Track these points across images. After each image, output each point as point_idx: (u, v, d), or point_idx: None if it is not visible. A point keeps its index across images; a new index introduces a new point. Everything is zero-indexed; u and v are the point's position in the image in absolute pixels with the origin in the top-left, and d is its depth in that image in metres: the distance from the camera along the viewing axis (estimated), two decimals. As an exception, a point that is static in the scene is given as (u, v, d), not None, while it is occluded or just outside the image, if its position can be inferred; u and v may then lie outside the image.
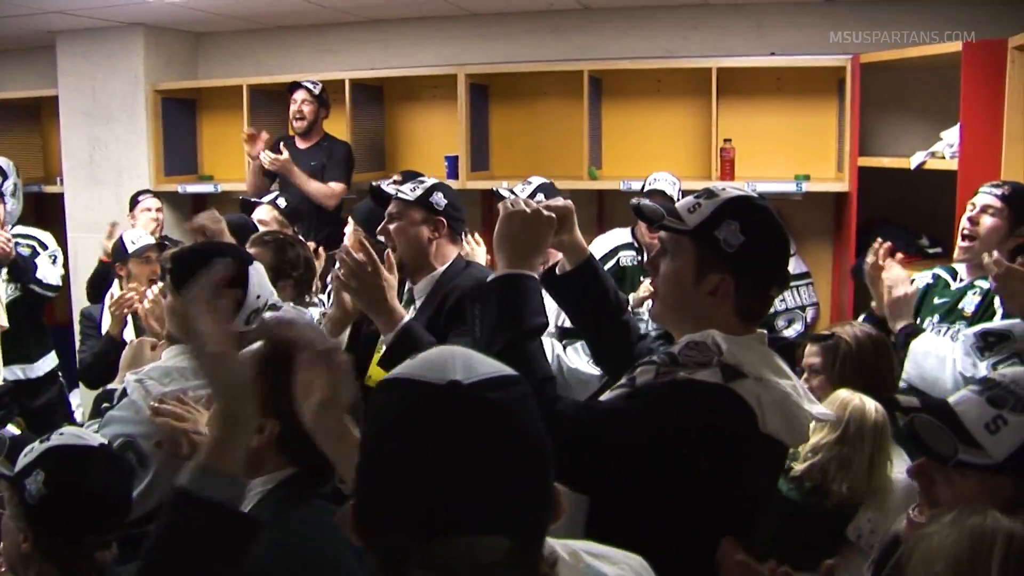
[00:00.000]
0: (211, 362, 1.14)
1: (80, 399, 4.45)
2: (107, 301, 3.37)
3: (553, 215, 1.53)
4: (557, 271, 1.71)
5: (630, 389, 1.41)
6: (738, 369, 1.34)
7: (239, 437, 1.13)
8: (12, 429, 2.29)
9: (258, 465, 1.33)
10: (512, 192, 2.88)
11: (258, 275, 2.04)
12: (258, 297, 2.01)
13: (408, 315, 2.04)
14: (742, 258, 1.40)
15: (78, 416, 4.27)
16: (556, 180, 3.81)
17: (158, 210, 4.33)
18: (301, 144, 4.37)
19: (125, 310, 3.18)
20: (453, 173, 4.26)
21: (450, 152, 4.31)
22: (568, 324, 2.63)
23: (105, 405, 2.07)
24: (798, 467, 2.00)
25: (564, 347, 2.76)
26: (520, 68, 4.38)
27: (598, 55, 4.36)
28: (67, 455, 1.60)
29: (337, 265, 2.04)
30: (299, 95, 4.34)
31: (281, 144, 4.26)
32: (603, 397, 1.47)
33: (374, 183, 2.52)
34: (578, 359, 2.74)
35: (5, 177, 4.77)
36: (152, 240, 3.48)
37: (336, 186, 4.23)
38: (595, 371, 2.63)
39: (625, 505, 1.35)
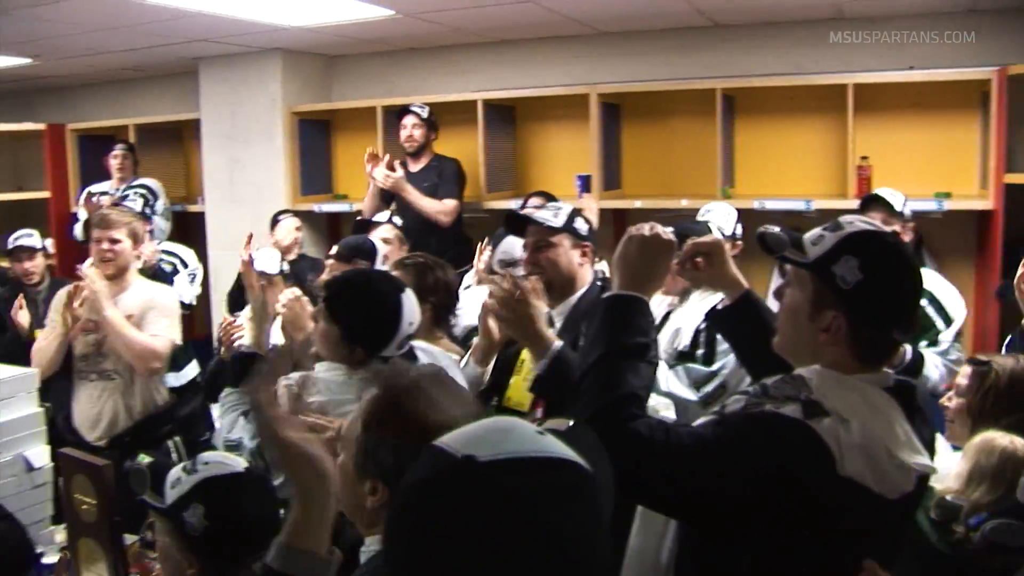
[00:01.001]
0: (284, 450, 1.33)
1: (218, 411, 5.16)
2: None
3: (673, 239, 1.69)
4: (719, 306, 1.90)
5: (719, 417, 1.53)
6: (820, 406, 1.42)
7: (318, 517, 1.32)
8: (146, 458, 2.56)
9: (374, 522, 1.41)
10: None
11: (410, 302, 2.34)
12: (410, 324, 2.33)
13: (558, 341, 2.26)
14: (858, 297, 1.46)
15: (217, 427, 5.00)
16: (688, 199, 4.34)
17: (297, 229, 5.04)
18: (413, 166, 5.05)
19: (232, 335, 3.76)
20: (585, 192, 4.82)
21: (582, 171, 4.88)
22: (683, 347, 2.93)
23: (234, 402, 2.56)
24: (958, 528, 1.98)
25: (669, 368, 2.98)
26: (652, 87, 4.92)
27: (728, 72, 4.85)
28: (221, 486, 1.84)
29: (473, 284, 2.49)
30: (408, 120, 5.01)
31: (396, 163, 4.90)
32: (695, 423, 1.58)
33: (511, 209, 3.01)
34: (676, 382, 2.92)
35: (156, 198, 5.66)
36: (275, 269, 4.03)
37: (449, 203, 4.86)
38: (691, 395, 2.85)
39: (701, 532, 1.51)
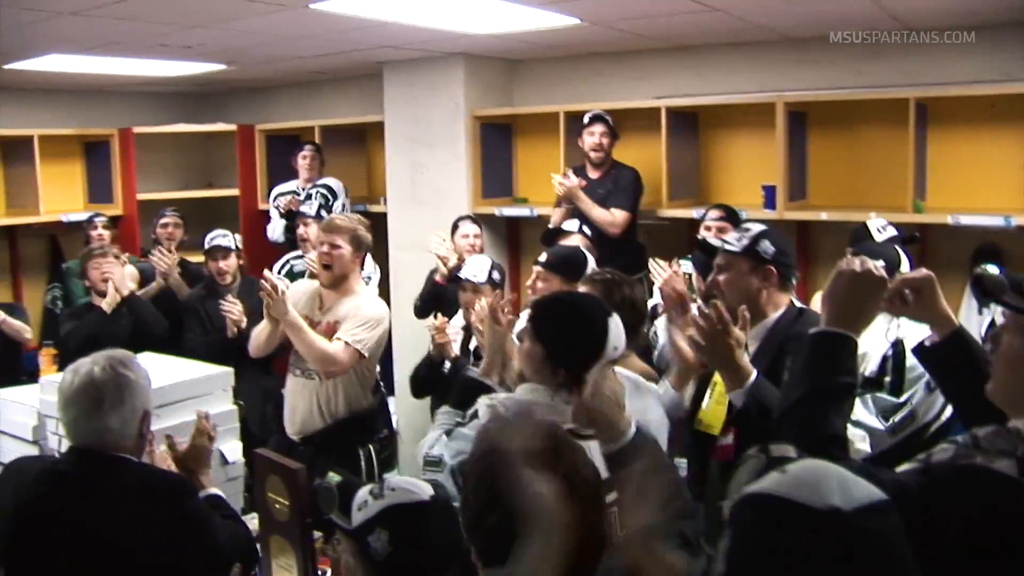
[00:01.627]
0: (530, 505, 1.47)
1: (395, 407, 5.63)
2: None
3: (884, 276, 1.78)
4: (927, 342, 1.93)
5: (924, 465, 1.53)
6: None
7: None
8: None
9: None
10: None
11: (617, 327, 2.48)
12: (615, 348, 2.47)
13: (755, 371, 2.43)
14: None
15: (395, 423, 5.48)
16: (878, 212, 4.57)
17: (476, 236, 5.51)
18: (593, 173, 5.46)
19: (440, 339, 4.20)
20: (770, 203, 5.14)
21: (766, 181, 5.19)
22: (869, 373, 3.11)
23: (457, 421, 2.72)
24: None
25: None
26: (841, 96, 5.18)
27: (922, 80, 5.01)
28: (406, 514, 2.00)
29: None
30: (598, 128, 5.41)
31: (571, 172, 5.31)
32: (899, 469, 1.59)
33: (700, 237, 3.30)
34: (864, 411, 3.07)
35: (336, 198, 6.32)
36: (483, 277, 4.35)
37: (619, 213, 5.23)
38: (879, 424, 3.02)
39: None
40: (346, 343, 3.92)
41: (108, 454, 2.43)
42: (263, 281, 3.88)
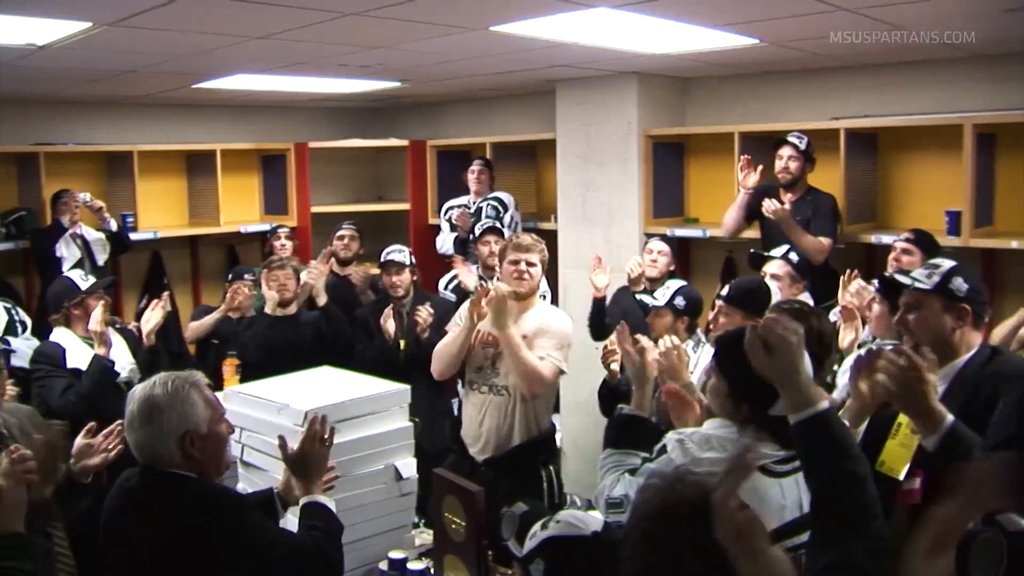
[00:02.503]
0: (752, 559, 1.73)
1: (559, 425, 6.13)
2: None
3: None
4: None
5: None
6: None
7: None
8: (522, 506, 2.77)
9: None
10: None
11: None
12: None
13: (950, 416, 2.46)
14: None
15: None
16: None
17: (660, 252, 5.82)
18: (785, 196, 5.76)
19: (609, 359, 4.50)
20: (954, 229, 5.36)
21: (950, 206, 5.43)
22: None
23: (644, 457, 2.90)
24: None
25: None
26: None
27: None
28: (565, 547, 2.20)
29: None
30: (785, 151, 5.76)
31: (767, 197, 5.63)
32: None
33: (888, 274, 3.44)
34: None
35: (506, 210, 6.96)
36: (663, 300, 4.61)
37: (825, 240, 5.50)
38: None
39: None
40: (551, 362, 4.32)
41: (158, 469, 2.66)
42: (492, 289, 4.31)
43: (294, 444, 3.12)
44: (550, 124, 7.27)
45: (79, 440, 3.12)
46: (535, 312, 4.55)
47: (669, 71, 6.67)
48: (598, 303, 5.59)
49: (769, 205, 5.45)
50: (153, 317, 5.09)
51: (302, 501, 2.90)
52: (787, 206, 5.54)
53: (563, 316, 4.67)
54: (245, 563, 2.59)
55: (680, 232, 6.65)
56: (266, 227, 7.86)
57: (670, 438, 2.74)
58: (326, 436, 3.03)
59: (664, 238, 5.96)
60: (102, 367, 4.60)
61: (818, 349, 3.08)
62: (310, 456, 2.98)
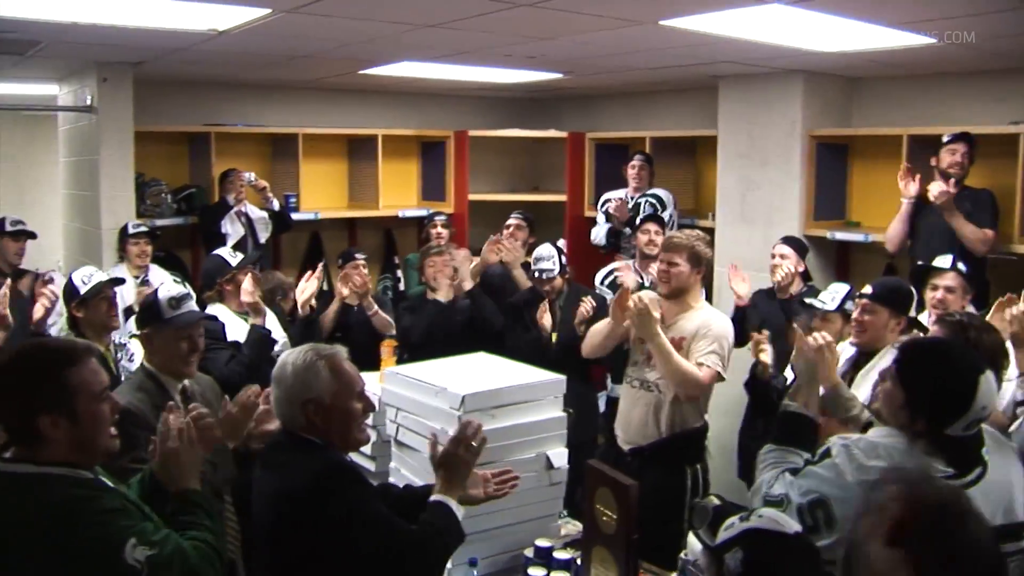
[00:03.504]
0: None
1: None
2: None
3: None
4: None
5: None
6: None
7: None
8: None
9: None
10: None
11: (989, 385, 2.62)
12: (983, 408, 2.59)
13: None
14: None
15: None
16: None
17: (782, 256, 5.79)
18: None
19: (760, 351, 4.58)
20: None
21: None
22: None
23: (807, 460, 2.89)
24: None
25: None
26: None
27: None
28: (767, 540, 2.18)
29: None
30: (961, 147, 5.58)
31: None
32: None
33: None
34: None
35: (664, 207, 6.96)
36: (834, 304, 4.58)
37: (989, 231, 5.38)
38: None
39: None
40: (707, 366, 4.35)
41: (289, 430, 2.87)
42: (634, 299, 4.35)
43: (449, 428, 3.22)
44: (710, 120, 7.25)
45: (261, 405, 3.26)
46: (696, 314, 4.56)
47: (836, 70, 6.56)
48: (740, 311, 5.56)
49: (936, 188, 5.36)
50: (308, 287, 5.30)
51: (432, 498, 2.92)
52: (950, 187, 5.42)
53: (723, 318, 4.66)
54: (341, 531, 2.67)
55: (840, 235, 6.52)
56: (423, 212, 8.04)
57: (835, 442, 2.73)
58: (475, 443, 3.02)
59: (790, 241, 5.94)
60: (260, 336, 4.84)
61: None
62: (455, 459, 2.98)
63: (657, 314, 4.41)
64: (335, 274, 8.00)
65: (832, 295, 4.68)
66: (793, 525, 2.27)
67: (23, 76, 7.51)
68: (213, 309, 4.99)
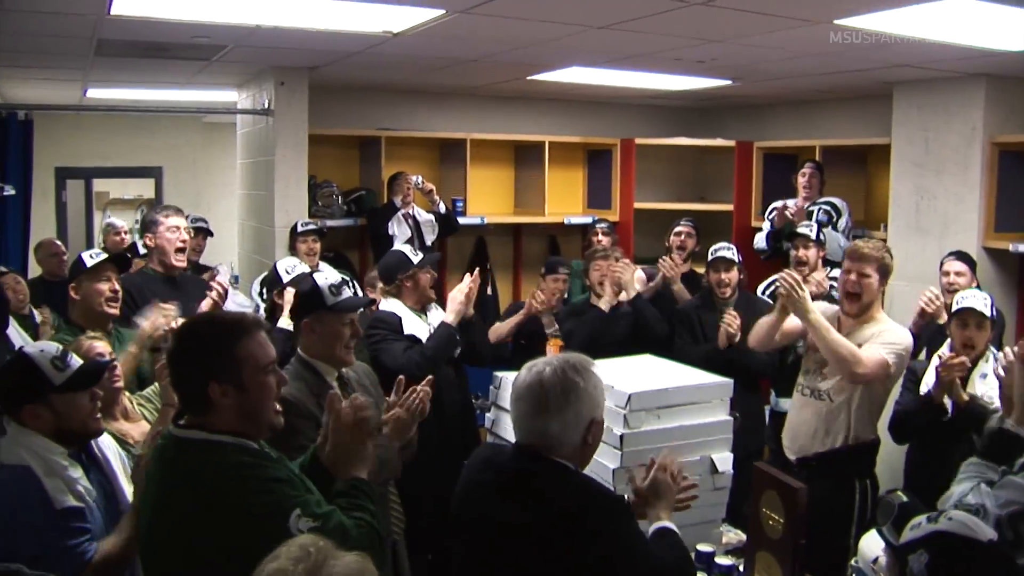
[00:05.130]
0: None
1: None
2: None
3: None
4: None
5: None
6: None
7: None
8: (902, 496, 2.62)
9: None
10: None
11: None
12: None
13: None
14: None
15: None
16: None
17: (957, 274, 5.53)
18: None
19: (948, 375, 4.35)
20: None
21: None
22: None
23: (1004, 468, 2.86)
24: None
25: None
26: None
27: None
28: (956, 545, 2.08)
29: None
30: None
31: None
32: None
33: None
34: None
35: (839, 215, 6.78)
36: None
37: None
38: None
39: None
40: (875, 348, 4.16)
41: (545, 456, 2.62)
42: (786, 276, 4.29)
43: (615, 428, 3.27)
44: (882, 128, 7.06)
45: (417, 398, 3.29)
46: (874, 324, 4.36)
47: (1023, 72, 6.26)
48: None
49: None
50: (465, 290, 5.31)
51: (654, 526, 2.87)
52: None
53: (902, 330, 4.43)
54: (617, 567, 2.54)
55: (1024, 248, 6.23)
56: (588, 220, 8.03)
57: None
58: (676, 472, 3.02)
59: (963, 257, 5.65)
60: (449, 333, 4.86)
61: None
62: (660, 487, 2.96)
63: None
64: (500, 278, 8.16)
65: (983, 301, 4.49)
66: (987, 532, 2.14)
67: (205, 83, 7.87)
68: (387, 304, 5.05)
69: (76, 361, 2.97)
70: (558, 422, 2.60)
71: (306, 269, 4.83)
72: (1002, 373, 3.39)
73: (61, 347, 3.02)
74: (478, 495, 2.76)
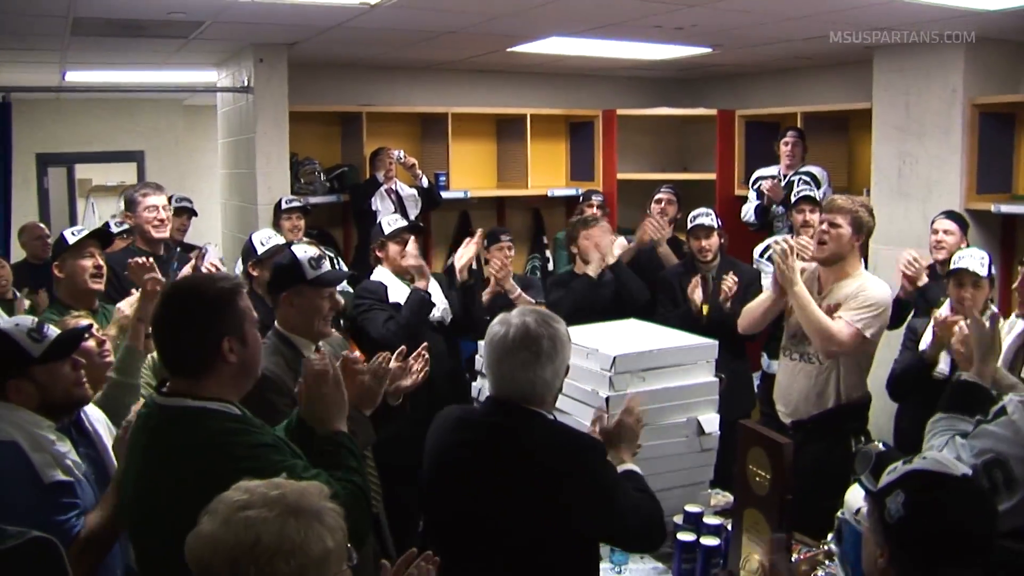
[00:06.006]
0: None
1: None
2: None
3: None
4: None
5: None
6: None
7: None
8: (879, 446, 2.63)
9: None
10: None
11: None
12: None
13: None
14: None
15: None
16: None
17: (946, 232, 5.48)
18: None
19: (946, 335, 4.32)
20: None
21: None
22: None
23: (979, 417, 2.83)
24: None
25: None
26: None
27: None
28: (929, 481, 2.10)
29: None
30: None
31: None
32: None
33: None
34: None
35: (818, 185, 6.77)
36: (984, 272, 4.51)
37: None
38: None
39: None
40: (847, 322, 4.17)
41: (524, 407, 2.71)
42: (778, 239, 4.35)
43: (600, 390, 3.29)
44: (863, 94, 7.03)
45: (393, 363, 3.26)
46: (853, 281, 4.36)
47: (1005, 35, 6.24)
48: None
49: None
50: (466, 253, 5.33)
51: (620, 468, 2.92)
52: None
53: (880, 284, 4.41)
54: (595, 509, 2.64)
55: (1007, 209, 6.21)
56: (572, 192, 8.09)
57: (1012, 399, 2.65)
58: (640, 418, 3.11)
59: (953, 216, 5.61)
60: (420, 299, 4.91)
61: None
62: (625, 431, 3.05)
63: (799, 267, 4.31)
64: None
65: (980, 261, 4.48)
66: (960, 468, 2.15)
67: (184, 63, 7.81)
68: (377, 273, 5.19)
69: (53, 331, 2.96)
70: (550, 371, 2.70)
71: (281, 241, 4.82)
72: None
73: (36, 319, 3.01)
74: (455, 455, 2.79)
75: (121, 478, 2.69)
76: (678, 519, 3.38)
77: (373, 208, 7.03)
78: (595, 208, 6.90)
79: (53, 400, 2.89)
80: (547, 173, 8.61)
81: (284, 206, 6.50)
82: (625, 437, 3.03)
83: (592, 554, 2.85)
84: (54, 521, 2.67)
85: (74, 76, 8.49)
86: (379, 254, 5.22)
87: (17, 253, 7.04)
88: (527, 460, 2.65)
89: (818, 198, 6.45)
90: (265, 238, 4.90)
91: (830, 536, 3.13)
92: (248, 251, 4.89)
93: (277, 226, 6.44)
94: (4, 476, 2.72)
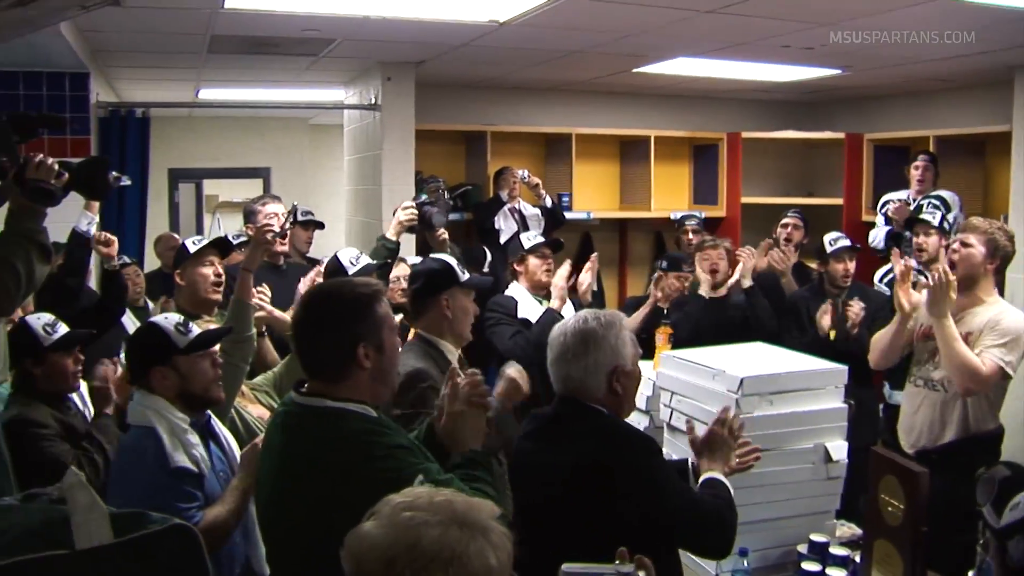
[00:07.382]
0: None
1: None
2: None
3: None
4: None
5: None
6: None
7: None
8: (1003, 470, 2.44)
9: None
10: None
11: None
12: None
13: None
14: None
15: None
16: None
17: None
18: None
19: None
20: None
21: None
22: None
23: None
24: None
25: None
26: None
27: None
28: None
29: None
30: None
31: None
32: None
33: None
34: None
35: (949, 209, 6.56)
36: None
37: None
38: None
39: None
40: (992, 360, 3.98)
41: (581, 401, 2.83)
42: (939, 268, 4.07)
43: (714, 408, 3.22)
44: (1001, 117, 6.81)
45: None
46: (986, 308, 4.18)
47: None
48: None
49: None
50: (586, 279, 5.34)
51: (707, 475, 2.94)
52: None
53: (1018, 314, 4.19)
54: (645, 502, 2.67)
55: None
56: (696, 215, 7.91)
57: None
58: (735, 428, 3.07)
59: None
60: (553, 319, 4.82)
61: None
62: (715, 441, 3.03)
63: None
64: (606, 274, 8.13)
65: None
66: None
67: (313, 81, 8.00)
68: (513, 288, 5.28)
69: (196, 329, 3.15)
70: (577, 368, 2.81)
71: (369, 260, 4.77)
72: None
73: (182, 316, 3.22)
74: (521, 446, 2.93)
75: (253, 482, 2.77)
76: (802, 548, 3.30)
77: (496, 227, 7.09)
78: (690, 235, 6.86)
79: (192, 392, 3.05)
80: (670, 196, 8.57)
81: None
82: (714, 447, 3.02)
83: (671, 563, 2.84)
84: (174, 507, 2.74)
85: (207, 94, 8.79)
86: (518, 268, 5.29)
87: (149, 263, 7.27)
88: (573, 450, 2.74)
89: (947, 223, 6.29)
90: (354, 257, 4.78)
91: (971, 573, 3.01)
92: (336, 270, 4.70)
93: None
94: (137, 457, 2.90)
